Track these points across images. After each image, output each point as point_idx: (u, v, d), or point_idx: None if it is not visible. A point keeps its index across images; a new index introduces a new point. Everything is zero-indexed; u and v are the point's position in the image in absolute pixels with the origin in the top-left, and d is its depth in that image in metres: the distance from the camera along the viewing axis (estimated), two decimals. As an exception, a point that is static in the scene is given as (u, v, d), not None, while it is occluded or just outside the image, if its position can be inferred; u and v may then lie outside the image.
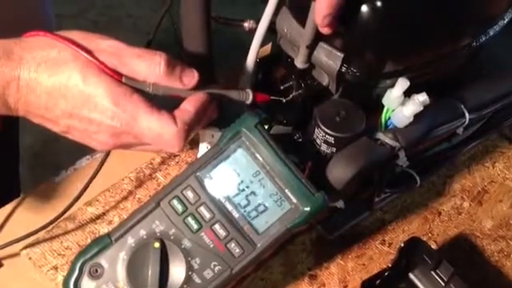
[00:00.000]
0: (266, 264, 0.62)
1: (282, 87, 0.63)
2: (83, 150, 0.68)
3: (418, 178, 0.67)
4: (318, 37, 0.57)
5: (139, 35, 1.89)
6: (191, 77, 0.54)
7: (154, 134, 0.51)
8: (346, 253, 0.64)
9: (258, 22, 0.62)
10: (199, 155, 0.65)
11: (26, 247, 0.62)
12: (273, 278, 0.62)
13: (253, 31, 0.63)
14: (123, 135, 0.52)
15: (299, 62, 0.60)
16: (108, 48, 0.51)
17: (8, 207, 0.66)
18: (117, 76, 0.51)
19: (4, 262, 0.61)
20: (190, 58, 0.67)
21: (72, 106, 0.50)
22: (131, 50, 0.52)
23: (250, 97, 0.58)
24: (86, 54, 0.50)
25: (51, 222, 0.62)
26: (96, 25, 2.03)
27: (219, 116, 0.60)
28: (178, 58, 0.56)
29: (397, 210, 0.68)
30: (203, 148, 0.65)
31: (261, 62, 0.64)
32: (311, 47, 0.58)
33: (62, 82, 0.49)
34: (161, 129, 0.51)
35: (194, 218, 0.53)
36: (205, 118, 0.55)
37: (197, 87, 0.54)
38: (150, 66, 0.51)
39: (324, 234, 0.65)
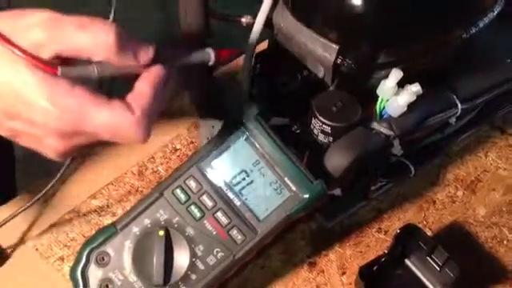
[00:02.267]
0: (267, 252, 0.64)
1: (279, 80, 0.65)
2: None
3: (412, 168, 0.69)
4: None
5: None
6: (146, 52, 0.44)
7: (109, 130, 0.43)
8: (344, 241, 0.66)
9: (254, 17, 0.64)
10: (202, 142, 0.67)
11: (32, 239, 0.64)
12: (273, 265, 0.64)
13: (250, 26, 0.64)
14: (75, 137, 0.44)
15: None
16: (42, 23, 0.41)
17: (9, 203, 0.68)
18: (50, 69, 0.42)
19: (11, 253, 0.63)
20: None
21: (9, 105, 0.42)
22: (71, 19, 0.42)
23: (212, 56, 0.51)
24: (9, 46, 0.41)
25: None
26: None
27: (218, 108, 0.62)
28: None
29: (392, 199, 0.70)
30: (204, 140, 0.66)
31: (258, 57, 0.66)
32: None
33: None
34: (116, 122, 0.43)
35: (197, 207, 0.55)
36: (165, 94, 0.46)
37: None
38: (96, 38, 0.42)
39: (322, 222, 0.66)
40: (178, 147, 0.73)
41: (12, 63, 0.41)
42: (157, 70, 0.45)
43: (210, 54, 0.50)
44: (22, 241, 0.64)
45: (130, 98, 0.44)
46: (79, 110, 0.42)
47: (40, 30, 0.41)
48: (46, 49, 0.41)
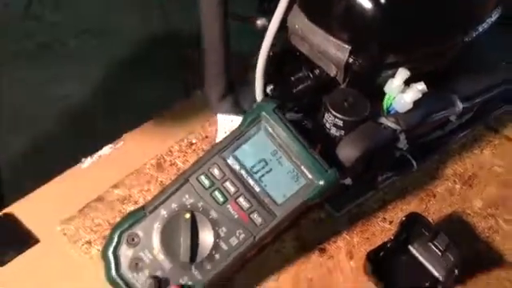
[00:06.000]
0: (281, 238, 0.68)
1: (292, 78, 0.70)
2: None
3: (414, 163, 0.74)
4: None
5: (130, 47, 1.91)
6: None
7: None
8: (352, 229, 0.71)
9: (269, 19, 0.68)
10: (218, 139, 0.71)
11: (60, 224, 0.68)
12: (286, 251, 0.68)
13: (265, 28, 0.69)
14: None
15: None
16: None
17: (38, 191, 0.72)
18: None
19: (41, 237, 0.67)
20: (207, 55, 0.73)
21: None
22: None
23: None
24: None
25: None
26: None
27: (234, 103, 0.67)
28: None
29: (396, 191, 0.75)
30: (221, 133, 0.71)
31: (272, 57, 0.71)
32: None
33: None
34: None
35: (220, 192, 0.59)
36: None
37: None
38: None
39: (332, 211, 0.71)
40: (193, 141, 0.77)
41: None
42: None
43: None
44: (50, 226, 0.68)
45: None
46: None
47: None
48: None
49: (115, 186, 0.72)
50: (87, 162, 0.75)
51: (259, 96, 0.71)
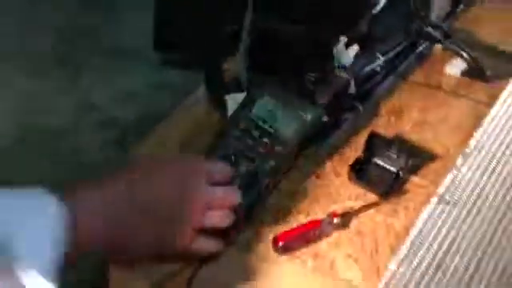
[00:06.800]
0: (286, 174, 0.95)
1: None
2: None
3: (360, 107, 1.05)
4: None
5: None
6: None
7: None
8: (332, 157, 0.99)
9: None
10: (230, 112, 0.98)
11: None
12: (291, 177, 0.95)
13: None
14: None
15: None
16: None
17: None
18: None
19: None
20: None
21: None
22: None
23: None
24: None
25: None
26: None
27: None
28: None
29: (352, 129, 1.05)
30: (232, 106, 0.97)
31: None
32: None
33: None
34: None
35: (249, 138, 0.86)
36: None
37: None
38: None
39: (316, 149, 0.99)
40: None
41: None
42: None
43: None
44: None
45: None
46: None
47: None
48: None
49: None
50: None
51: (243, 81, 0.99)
